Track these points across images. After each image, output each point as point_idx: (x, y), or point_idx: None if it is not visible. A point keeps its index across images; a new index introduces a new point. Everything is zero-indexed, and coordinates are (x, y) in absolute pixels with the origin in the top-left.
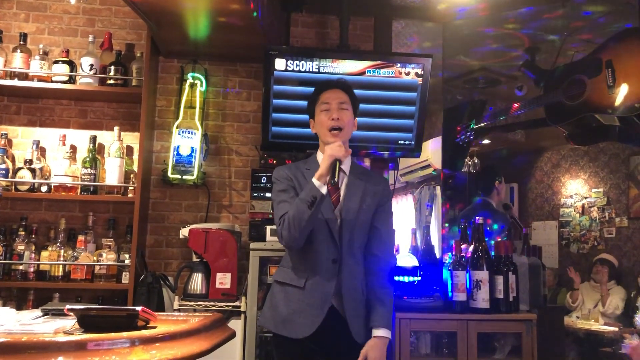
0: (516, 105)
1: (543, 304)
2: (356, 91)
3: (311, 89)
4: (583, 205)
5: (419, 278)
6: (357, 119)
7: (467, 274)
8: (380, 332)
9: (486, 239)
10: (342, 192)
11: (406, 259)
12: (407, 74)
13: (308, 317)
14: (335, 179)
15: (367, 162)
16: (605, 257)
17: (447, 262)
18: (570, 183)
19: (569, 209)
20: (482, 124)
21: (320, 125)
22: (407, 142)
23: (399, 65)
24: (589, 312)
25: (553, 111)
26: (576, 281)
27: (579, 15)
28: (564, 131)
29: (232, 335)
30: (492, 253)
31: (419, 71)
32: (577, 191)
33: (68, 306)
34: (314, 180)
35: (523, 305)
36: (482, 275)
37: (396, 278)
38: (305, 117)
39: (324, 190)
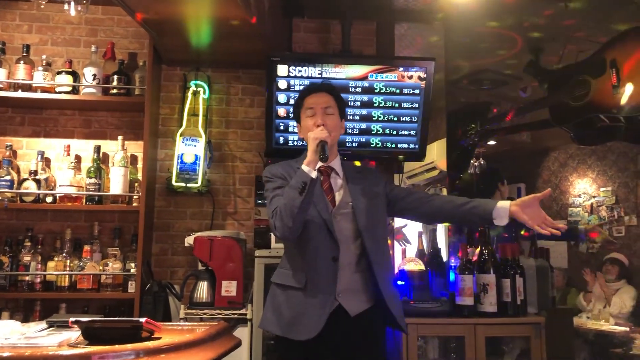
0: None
1: (552, 306)
2: (359, 96)
3: None
4: (591, 204)
5: (426, 282)
6: (344, 121)
7: (474, 278)
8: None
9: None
10: (340, 196)
11: (412, 263)
12: (410, 77)
13: (312, 318)
14: (326, 156)
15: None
16: (615, 256)
17: (453, 265)
18: (578, 182)
19: (577, 208)
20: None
21: (306, 130)
22: (412, 146)
23: (401, 69)
24: (599, 312)
25: (557, 112)
26: (591, 283)
27: (583, 15)
28: (569, 132)
29: (238, 344)
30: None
31: (422, 74)
32: (585, 190)
33: (72, 319)
34: (303, 166)
35: (531, 308)
36: (489, 278)
37: (402, 282)
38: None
39: (313, 174)
